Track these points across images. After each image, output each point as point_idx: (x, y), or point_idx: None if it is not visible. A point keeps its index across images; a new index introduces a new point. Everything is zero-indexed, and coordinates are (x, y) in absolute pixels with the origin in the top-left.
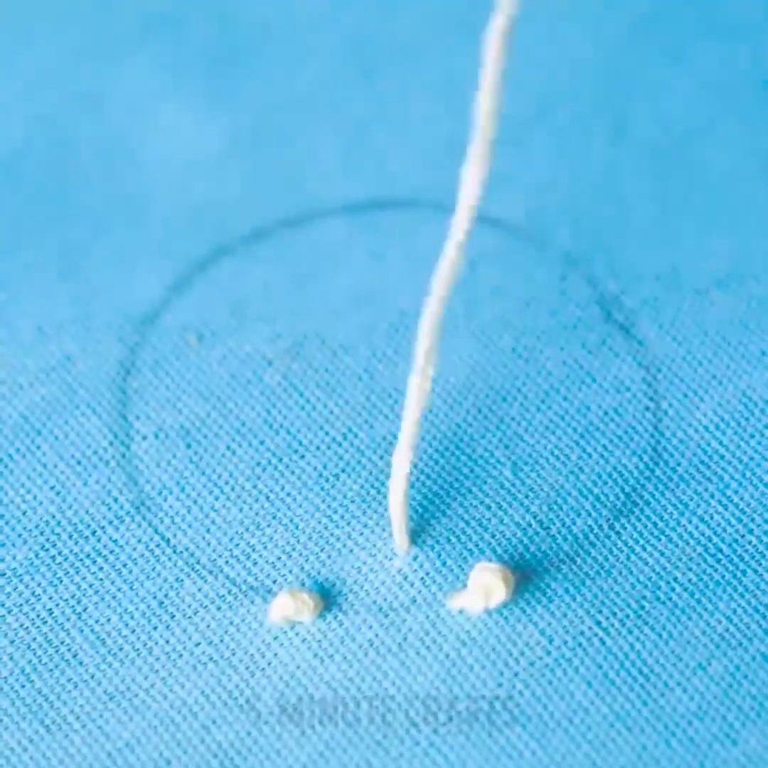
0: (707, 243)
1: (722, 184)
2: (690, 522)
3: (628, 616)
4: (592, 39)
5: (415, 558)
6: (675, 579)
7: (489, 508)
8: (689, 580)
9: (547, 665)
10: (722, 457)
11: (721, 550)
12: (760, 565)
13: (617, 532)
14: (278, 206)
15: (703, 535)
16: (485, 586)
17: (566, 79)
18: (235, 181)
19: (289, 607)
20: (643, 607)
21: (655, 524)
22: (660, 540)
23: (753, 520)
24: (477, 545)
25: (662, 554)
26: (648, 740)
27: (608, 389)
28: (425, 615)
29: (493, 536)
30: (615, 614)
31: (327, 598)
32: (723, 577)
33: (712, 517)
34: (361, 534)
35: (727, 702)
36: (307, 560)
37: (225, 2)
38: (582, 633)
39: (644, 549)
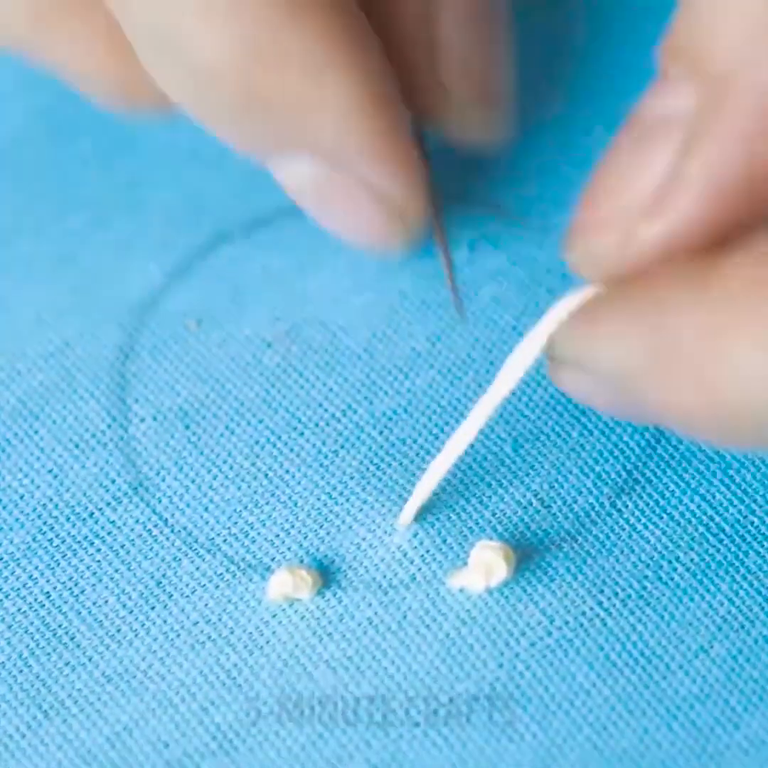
0: None
1: None
2: (692, 501)
3: (630, 596)
4: None
5: (415, 535)
6: (677, 559)
7: (489, 485)
8: (691, 560)
9: (548, 646)
10: None
11: (723, 531)
12: (763, 546)
13: (619, 510)
14: (277, 193)
15: (705, 514)
16: (486, 564)
17: None
18: (234, 168)
19: (288, 584)
20: (644, 588)
21: (657, 502)
22: (661, 518)
23: (755, 500)
24: (477, 523)
25: (664, 533)
26: (650, 723)
27: None
28: (425, 593)
29: (493, 514)
30: (617, 594)
31: (326, 575)
32: (725, 558)
33: (714, 497)
34: (361, 510)
35: (730, 685)
36: (305, 537)
37: None
38: (583, 613)
39: (646, 527)
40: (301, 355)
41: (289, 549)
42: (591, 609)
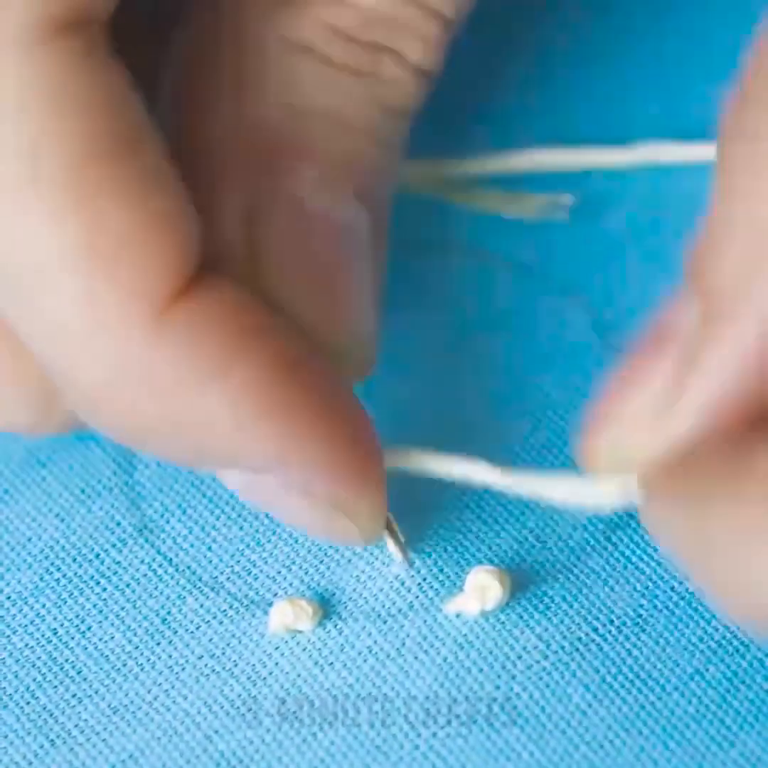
0: None
1: None
2: None
3: (625, 624)
4: None
5: (412, 564)
6: (672, 588)
7: (486, 522)
8: (686, 589)
9: (544, 669)
10: None
11: None
12: None
13: (614, 544)
14: None
15: None
16: (481, 586)
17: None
18: None
19: (288, 614)
20: (640, 615)
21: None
22: (657, 550)
23: None
24: (474, 556)
25: (659, 564)
26: (646, 742)
27: None
28: (423, 620)
29: (490, 548)
30: (612, 621)
31: (326, 606)
32: None
33: None
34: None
35: (725, 705)
36: (306, 572)
37: None
38: (579, 638)
39: (641, 559)
40: None
41: (290, 584)
42: (586, 634)
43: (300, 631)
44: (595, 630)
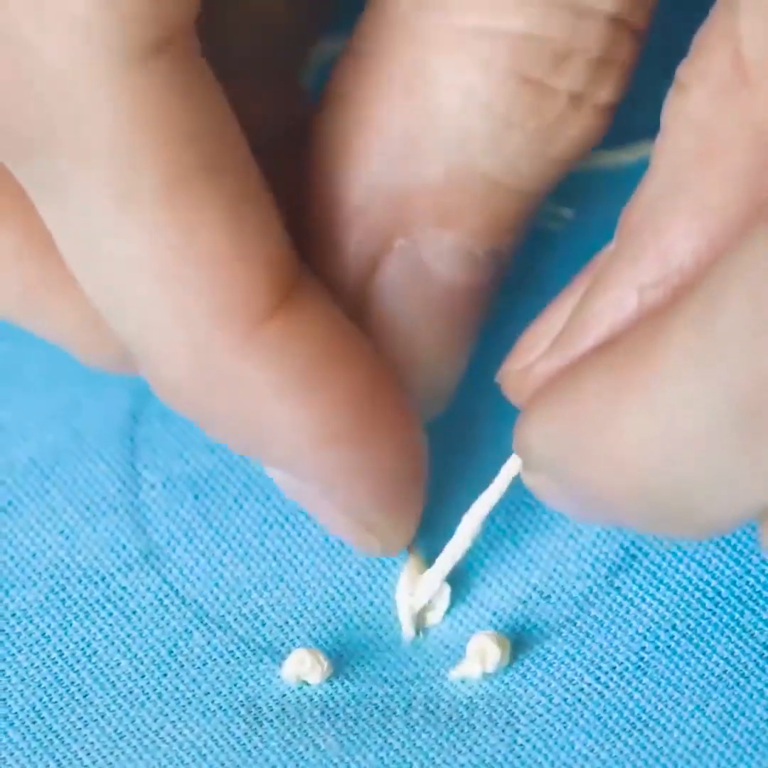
0: None
1: None
2: (689, 568)
3: (627, 669)
4: None
5: (418, 635)
6: (674, 626)
7: (490, 585)
8: (688, 627)
9: (547, 721)
10: None
11: (719, 593)
12: (758, 604)
13: (617, 588)
14: None
15: (701, 579)
16: (480, 651)
17: None
18: None
19: (305, 664)
20: (642, 658)
21: (654, 574)
22: (658, 589)
23: (750, 560)
24: (478, 625)
25: (661, 603)
26: None
27: None
28: (429, 686)
29: (493, 614)
30: (614, 668)
31: (335, 665)
32: (721, 619)
33: (709, 561)
34: (367, 612)
35: (725, 739)
36: (314, 628)
37: None
38: (581, 689)
39: (643, 601)
40: None
41: (298, 637)
42: (589, 685)
43: (308, 684)
44: (597, 679)
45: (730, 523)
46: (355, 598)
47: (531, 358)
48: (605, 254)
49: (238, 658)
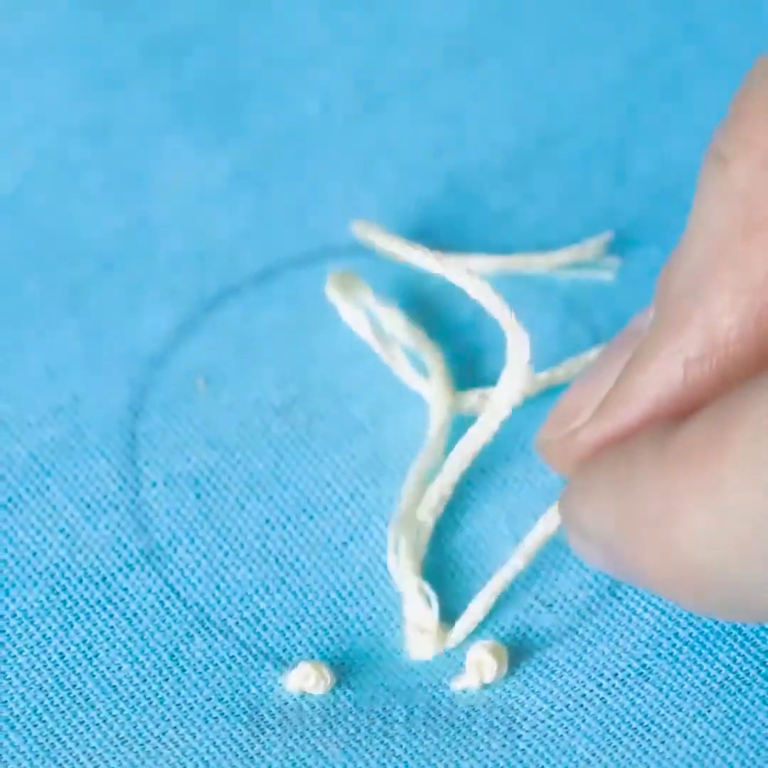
0: None
1: None
2: None
3: (629, 676)
4: (593, 73)
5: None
6: (676, 634)
7: (493, 595)
8: (690, 634)
9: (549, 727)
10: None
11: None
12: None
13: (619, 597)
14: (286, 243)
15: None
16: (477, 662)
17: (569, 114)
18: (243, 216)
19: (310, 678)
20: (644, 665)
21: None
22: (661, 599)
23: None
24: (480, 634)
25: (663, 612)
26: None
27: None
28: (431, 695)
29: (496, 623)
30: (616, 675)
31: (337, 673)
32: (723, 627)
33: None
34: (370, 617)
35: (727, 744)
36: (315, 634)
37: (229, 34)
38: (583, 695)
39: (645, 610)
40: (307, 423)
41: (299, 643)
42: (591, 691)
43: (311, 694)
44: (600, 686)
45: None
46: (357, 603)
47: (572, 426)
48: (644, 319)
49: (239, 663)
